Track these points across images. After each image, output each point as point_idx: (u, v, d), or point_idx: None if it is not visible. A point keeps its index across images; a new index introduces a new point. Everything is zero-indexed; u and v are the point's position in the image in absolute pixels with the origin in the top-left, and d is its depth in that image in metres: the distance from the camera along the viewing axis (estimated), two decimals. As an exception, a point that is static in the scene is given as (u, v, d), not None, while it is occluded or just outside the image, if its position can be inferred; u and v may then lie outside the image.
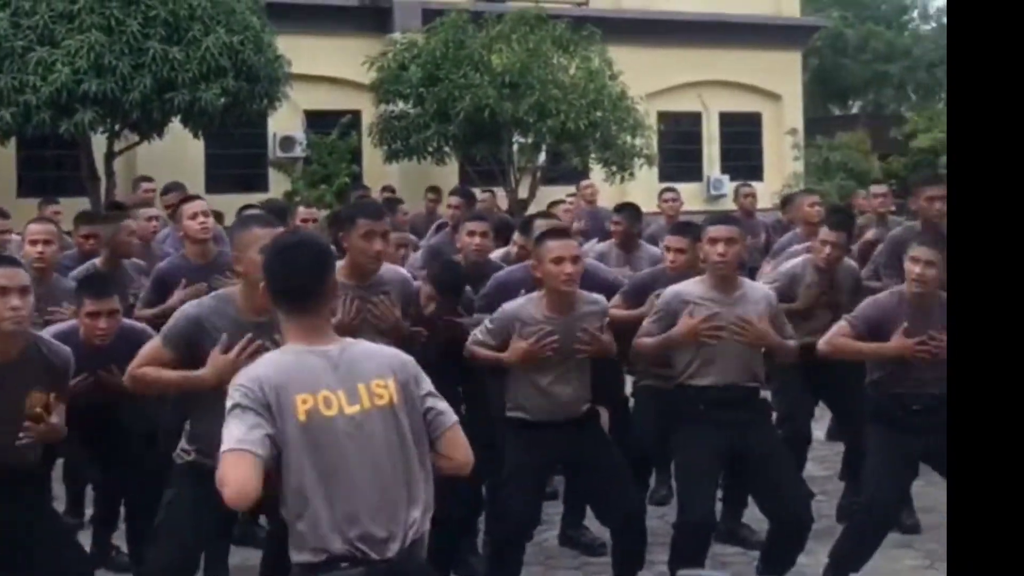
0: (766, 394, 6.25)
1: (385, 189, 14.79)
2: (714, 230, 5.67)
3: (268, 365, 3.34)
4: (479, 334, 5.68)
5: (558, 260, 5.41)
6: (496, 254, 7.58)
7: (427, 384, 3.50)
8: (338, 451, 3.27)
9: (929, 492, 6.98)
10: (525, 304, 5.60)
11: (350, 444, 3.27)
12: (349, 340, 3.49)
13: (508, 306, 5.66)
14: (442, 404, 3.49)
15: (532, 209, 16.58)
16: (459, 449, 3.49)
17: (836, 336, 5.95)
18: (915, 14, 52.33)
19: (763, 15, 27.20)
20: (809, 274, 7.05)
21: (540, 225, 6.70)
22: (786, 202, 11.52)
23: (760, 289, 6.01)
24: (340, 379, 3.33)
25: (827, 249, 6.99)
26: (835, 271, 7.09)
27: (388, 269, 5.59)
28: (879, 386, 5.85)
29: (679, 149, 26.42)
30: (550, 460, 5.71)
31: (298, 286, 3.40)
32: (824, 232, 7.07)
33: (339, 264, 5.26)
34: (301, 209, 9.48)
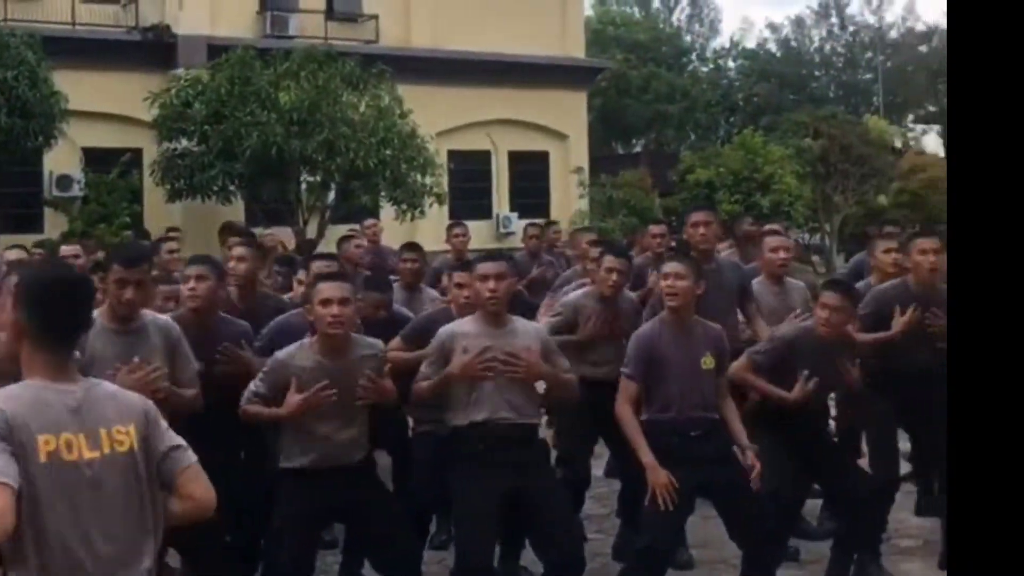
0: (547, 434, 6.29)
1: (170, 230, 14.44)
2: (483, 267, 5.73)
3: (11, 400, 3.20)
4: (253, 386, 5.56)
5: (325, 303, 5.33)
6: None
7: (166, 428, 3.41)
8: (78, 497, 3.16)
9: (705, 526, 7.03)
10: (296, 351, 5.52)
11: (88, 491, 3.17)
12: (93, 380, 3.38)
13: (280, 354, 5.55)
14: (179, 442, 3.40)
15: (321, 248, 16.44)
16: (199, 486, 3.38)
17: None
18: (694, 56, 54.54)
19: (550, 56, 27.82)
20: (591, 305, 7.09)
21: (317, 267, 6.62)
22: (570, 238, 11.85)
23: (531, 324, 6.08)
24: (81, 422, 3.22)
25: (612, 276, 6.98)
26: (618, 300, 7.12)
27: (151, 317, 5.44)
28: (654, 423, 5.94)
29: (469, 187, 26.70)
30: (326, 509, 5.63)
31: (55, 321, 3.29)
32: (609, 260, 7.05)
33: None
34: (63, 247, 9.25)
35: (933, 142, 61.72)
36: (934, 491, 7.79)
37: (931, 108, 60.80)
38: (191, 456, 3.41)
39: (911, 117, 61.30)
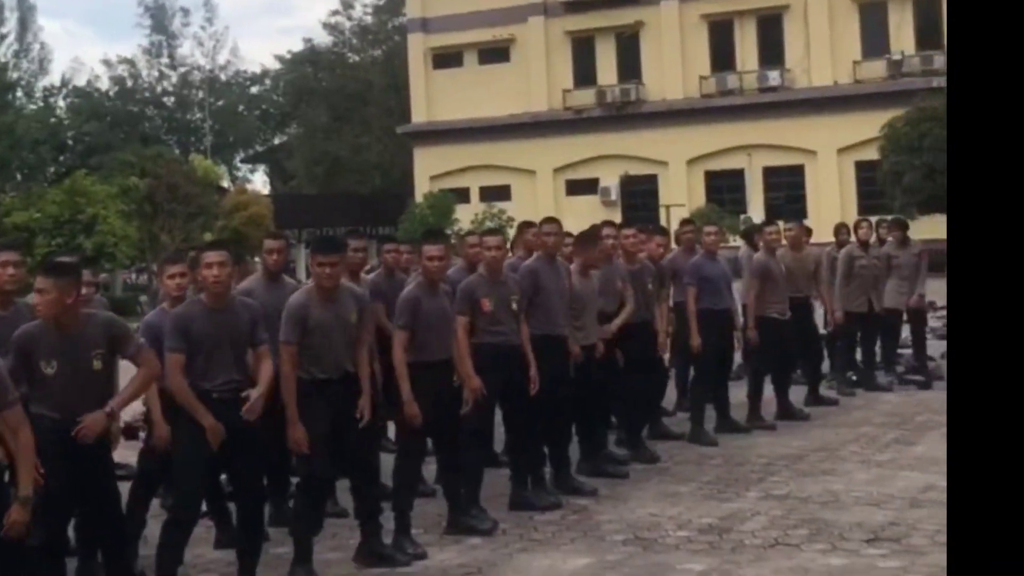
0: None
1: None
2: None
3: None
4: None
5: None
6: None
7: None
8: None
9: None
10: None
11: None
12: None
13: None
14: None
15: None
16: None
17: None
18: (19, 92, 52.77)
19: None
20: None
21: None
22: None
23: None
24: None
25: None
26: None
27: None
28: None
29: None
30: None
31: None
32: None
33: None
34: None
35: (260, 180, 64.62)
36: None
37: (259, 148, 63.67)
38: None
39: (240, 156, 63.63)
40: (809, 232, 12.25)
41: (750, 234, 12.69)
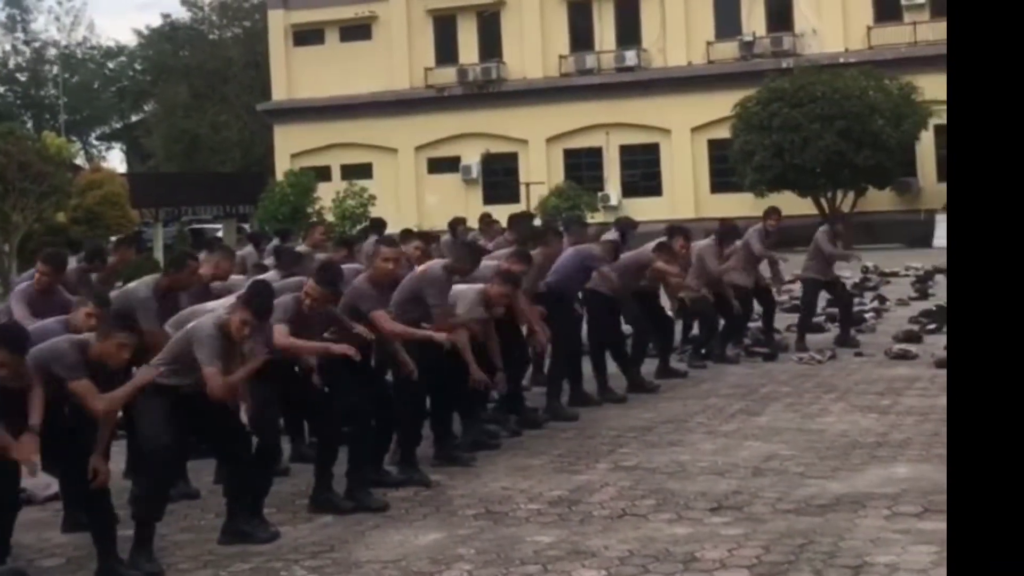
0: None
1: None
2: None
3: None
4: None
5: None
6: None
7: None
8: None
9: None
10: None
11: None
12: None
13: None
14: None
15: None
16: None
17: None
18: None
19: None
20: None
21: None
22: None
23: None
24: None
25: None
26: None
27: None
28: None
29: None
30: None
31: None
32: None
33: None
34: None
35: (117, 158, 63.10)
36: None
37: (116, 125, 62.14)
38: None
39: (96, 134, 62.05)
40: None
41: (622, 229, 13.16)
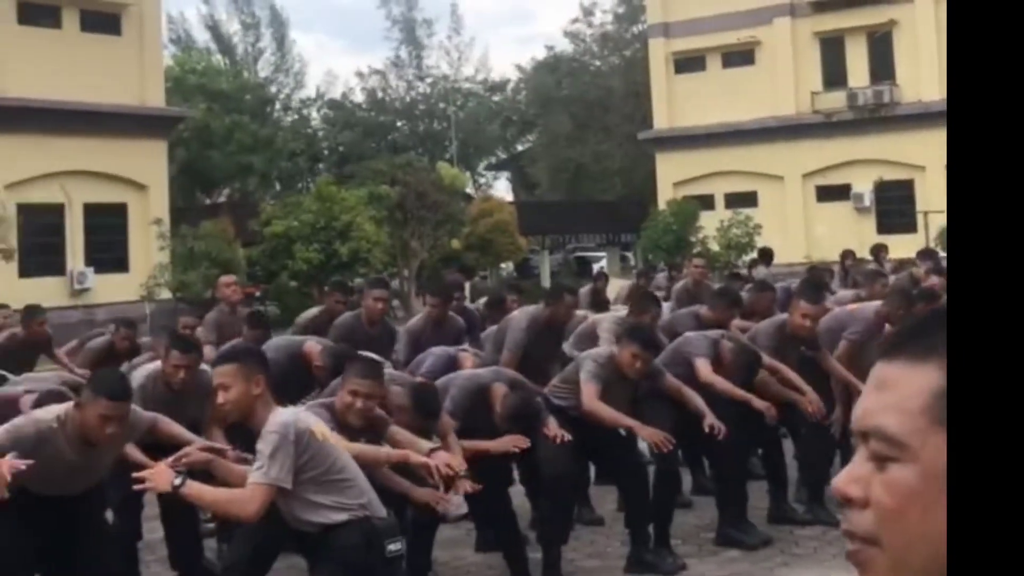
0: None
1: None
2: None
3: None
4: None
5: None
6: None
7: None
8: None
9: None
10: None
11: None
12: None
13: None
14: None
15: None
16: None
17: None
18: (277, 105, 55.17)
19: (127, 105, 27.54)
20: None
21: None
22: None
23: None
24: None
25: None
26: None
27: None
28: None
29: (40, 243, 25.88)
30: None
31: None
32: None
33: None
34: None
35: (502, 187, 65.50)
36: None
37: (501, 155, 64.58)
38: None
39: (483, 164, 64.68)
40: None
41: None
